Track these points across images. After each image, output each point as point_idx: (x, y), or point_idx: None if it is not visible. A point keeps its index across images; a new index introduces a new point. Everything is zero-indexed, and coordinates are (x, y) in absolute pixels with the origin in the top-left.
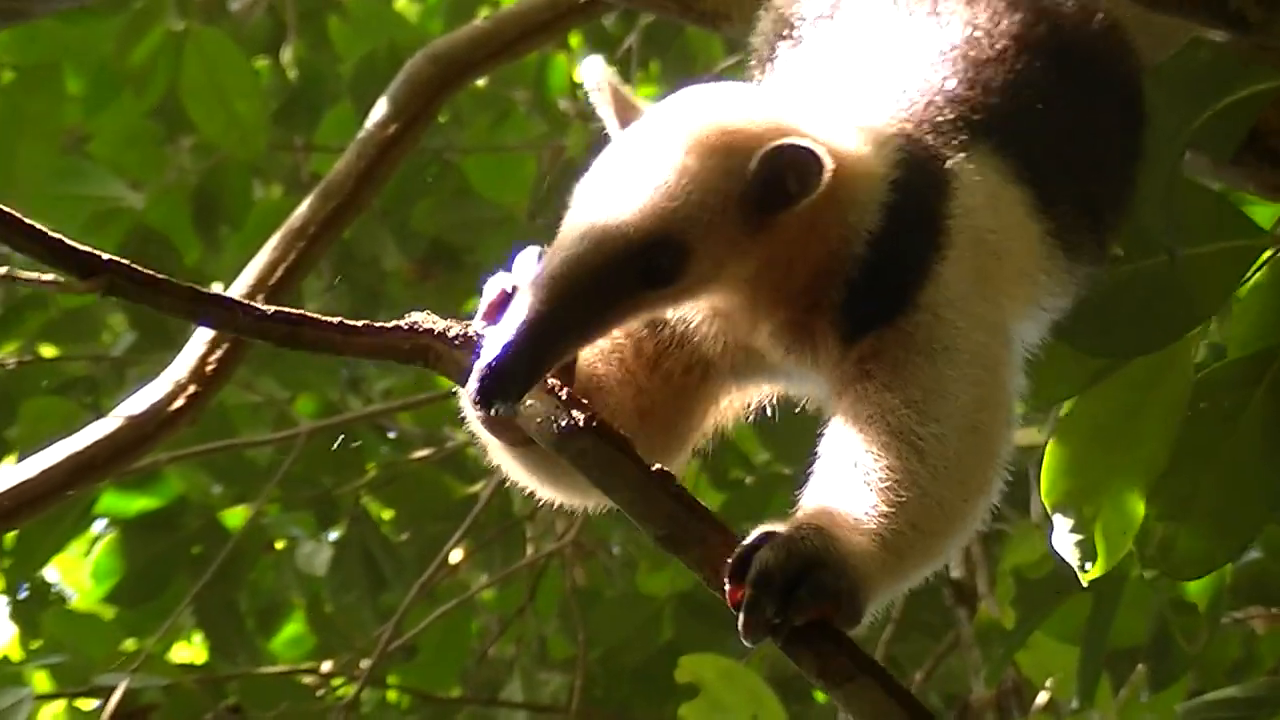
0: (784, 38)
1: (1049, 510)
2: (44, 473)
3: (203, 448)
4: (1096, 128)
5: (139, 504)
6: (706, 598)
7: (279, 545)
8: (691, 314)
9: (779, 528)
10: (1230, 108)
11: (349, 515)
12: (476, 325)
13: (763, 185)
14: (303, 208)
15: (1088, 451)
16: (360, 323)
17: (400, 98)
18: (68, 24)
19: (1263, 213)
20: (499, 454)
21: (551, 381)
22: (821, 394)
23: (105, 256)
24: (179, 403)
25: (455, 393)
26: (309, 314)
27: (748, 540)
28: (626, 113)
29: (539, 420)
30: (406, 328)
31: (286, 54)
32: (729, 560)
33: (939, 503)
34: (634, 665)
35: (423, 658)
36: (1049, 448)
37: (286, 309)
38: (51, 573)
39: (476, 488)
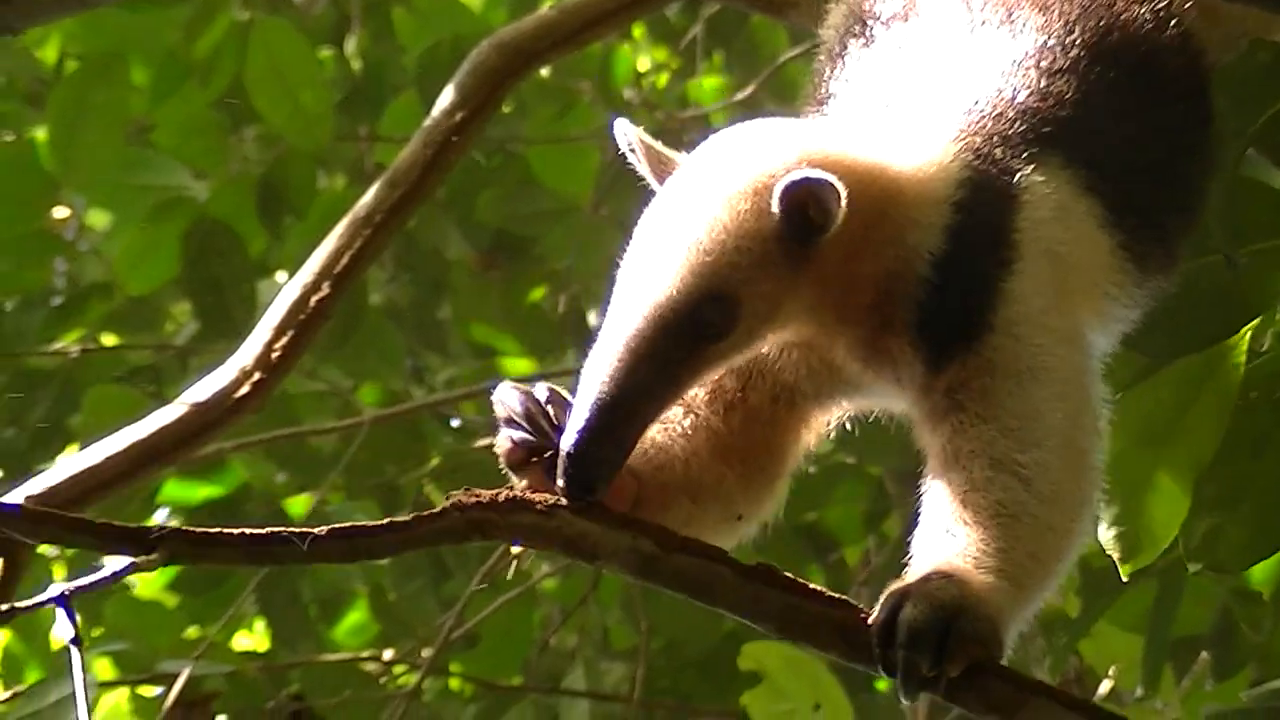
0: (855, 35)
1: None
2: (109, 459)
3: (266, 436)
4: (1167, 138)
5: (203, 492)
6: None
7: None
8: (766, 346)
9: (909, 585)
10: None
11: (412, 504)
12: (501, 440)
13: (789, 221)
14: (368, 196)
15: (1136, 445)
16: (409, 516)
17: (466, 86)
18: (133, 13)
19: None
20: None
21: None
22: (907, 412)
23: (155, 528)
24: (244, 390)
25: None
26: (360, 524)
27: (883, 604)
28: (661, 167)
29: (621, 553)
30: (455, 507)
31: (350, 45)
32: (872, 629)
33: (1050, 528)
34: (696, 654)
35: (485, 647)
36: None
37: (339, 525)
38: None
39: None
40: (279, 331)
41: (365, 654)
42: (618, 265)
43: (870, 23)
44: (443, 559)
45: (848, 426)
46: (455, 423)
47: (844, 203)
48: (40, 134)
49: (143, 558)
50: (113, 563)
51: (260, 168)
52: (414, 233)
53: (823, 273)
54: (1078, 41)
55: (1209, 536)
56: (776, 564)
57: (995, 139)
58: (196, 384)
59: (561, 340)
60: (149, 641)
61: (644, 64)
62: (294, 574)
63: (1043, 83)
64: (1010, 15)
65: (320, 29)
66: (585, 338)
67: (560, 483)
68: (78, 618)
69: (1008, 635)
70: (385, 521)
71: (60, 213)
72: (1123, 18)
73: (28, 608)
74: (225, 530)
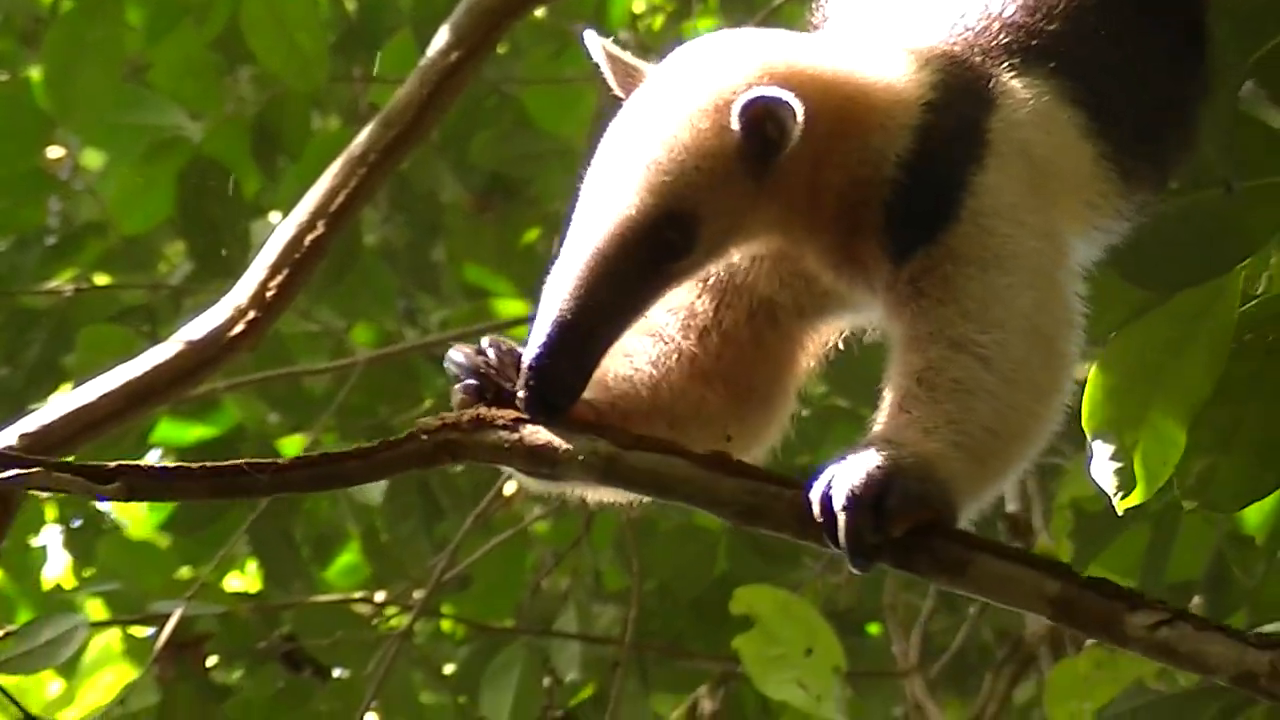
0: None
1: (1089, 437)
2: (103, 398)
3: (259, 376)
4: (1159, 57)
5: (195, 433)
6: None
7: None
8: (735, 260)
9: (850, 452)
10: None
11: None
12: (454, 396)
13: (749, 138)
14: (363, 135)
15: (1131, 381)
16: (376, 442)
17: (462, 26)
18: None
19: None
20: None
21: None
22: (877, 315)
23: (114, 464)
24: (239, 328)
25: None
26: (326, 452)
27: (825, 474)
28: (629, 79)
29: (581, 458)
30: (421, 430)
31: None
32: (815, 498)
33: (1010, 406)
34: (689, 597)
35: (477, 588)
36: (1091, 375)
37: (305, 455)
38: (104, 505)
39: None
40: (274, 270)
41: (357, 595)
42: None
43: None
44: (436, 500)
45: (840, 365)
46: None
47: (800, 120)
48: (35, 73)
49: (108, 488)
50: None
51: (255, 108)
52: (408, 175)
53: (787, 186)
54: None
55: (1203, 476)
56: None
57: (976, 49)
58: (191, 322)
59: None
60: (141, 582)
61: (639, 6)
62: (286, 515)
63: None
64: None
65: None
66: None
67: (521, 396)
68: None
69: (960, 499)
70: (351, 449)
71: (55, 152)
72: None
73: None
74: (185, 465)
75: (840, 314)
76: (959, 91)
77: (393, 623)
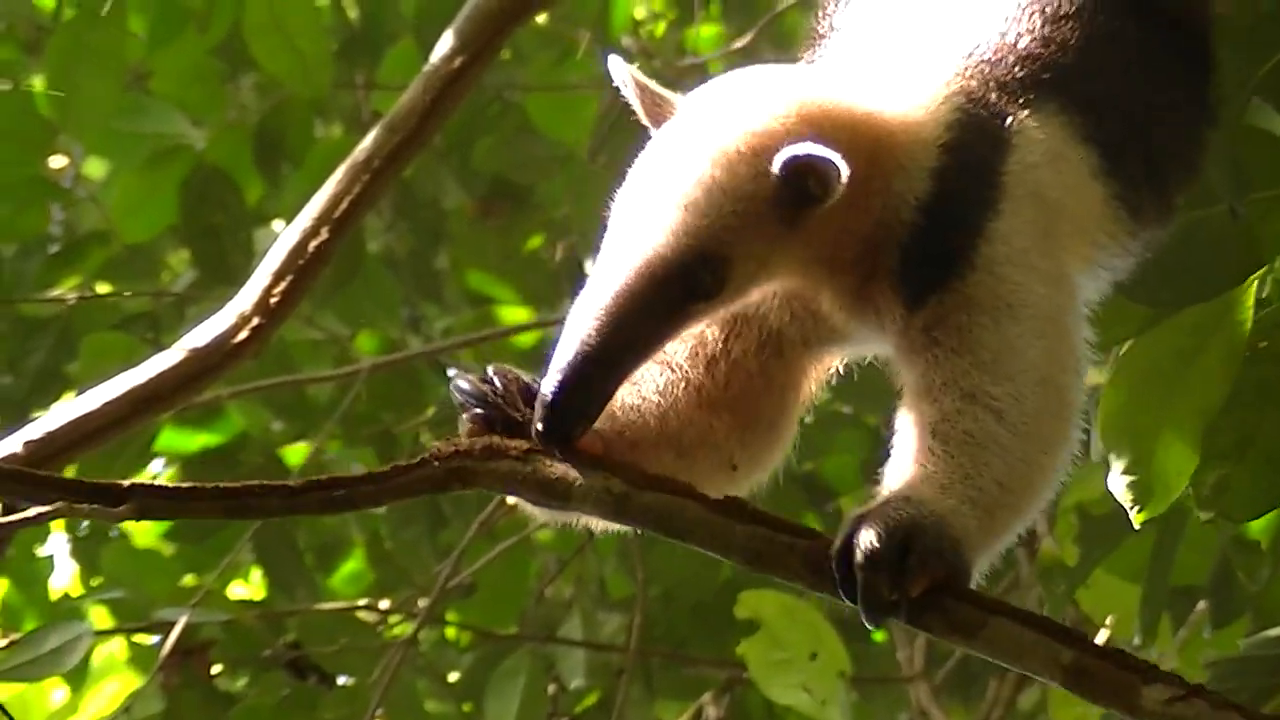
0: None
1: (1104, 450)
2: (107, 405)
3: (263, 383)
4: (1169, 89)
5: (199, 440)
6: None
7: None
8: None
9: (869, 508)
10: None
11: (409, 452)
12: (462, 425)
13: (787, 188)
14: (367, 141)
15: (1144, 393)
16: (388, 467)
17: (466, 31)
18: None
19: None
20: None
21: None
22: (890, 356)
23: (126, 483)
24: (243, 335)
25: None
26: (339, 476)
27: (843, 529)
28: (656, 108)
29: (594, 495)
30: (433, 457)
31: None
32: (830, 554)
33: (1022, 459)
34: (693, 603)
35: (481, 596)
36: (1106, 388)
37: (317, 478)
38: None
39: None
40: (278, 277)
41: (362, 603)
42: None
43: None
44: (440, 508)
45: (844, 373)
46: (452, 373)
47: (845, 179)
48: (38, 82)
49: (118, 509)
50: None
51: (258, 116)
52: (411, 182)
53: (817, 232)
54: None
55: (1218, 486)
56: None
57: (992, 83)
58: (195, 329)
59: (558, 288)
60: (146, 590)
61: (641, 12)
62: (290, 523)
63: (1045, 29)
64: None
65: None
66: (582, 286)
67: (538, 428)
68: None
69: (973, 560)
70: (363, 473)
71: (58, 161)
72: None
73: None
74: (197, 485)
75: (844, 346)
76: (975, 131)
77: (397, 630)
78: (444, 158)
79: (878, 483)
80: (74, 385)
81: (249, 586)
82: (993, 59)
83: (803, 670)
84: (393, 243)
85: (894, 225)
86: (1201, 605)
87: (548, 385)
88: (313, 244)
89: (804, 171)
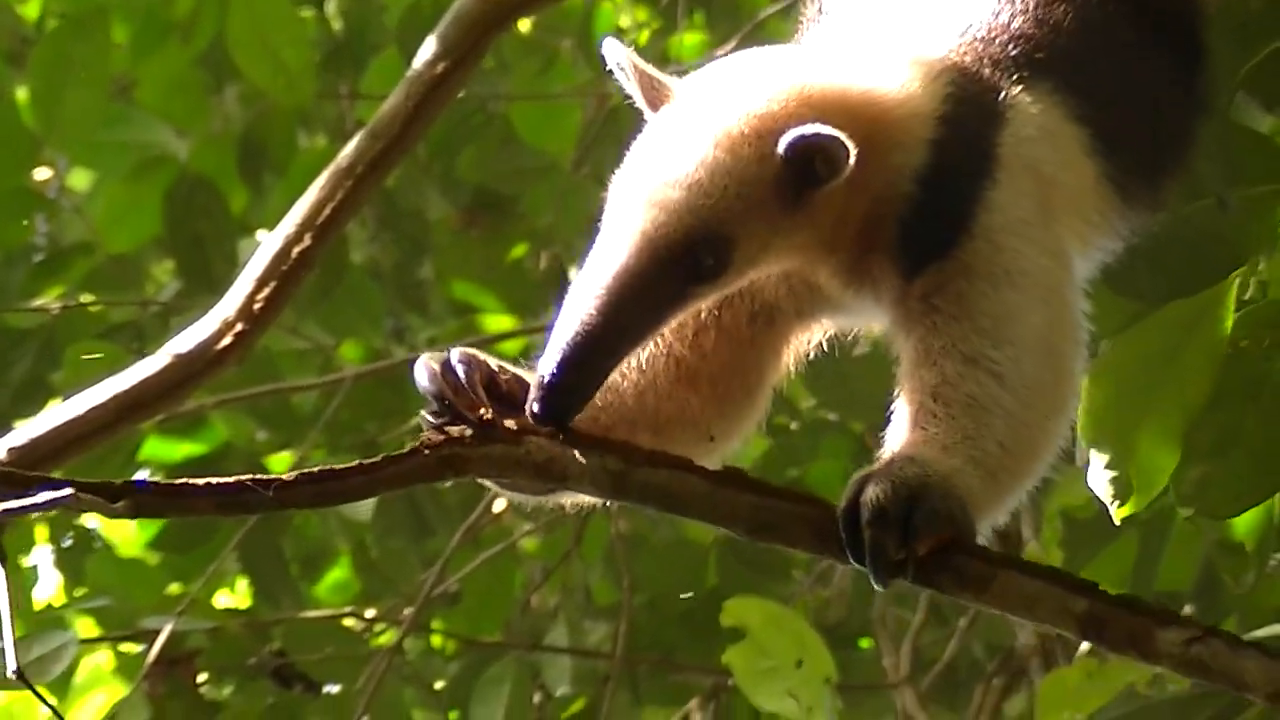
0: None
1: (1085, 446)
2: (91, 411)
3: (247, 392)
4: (1161, 76)
5: (184, 450)
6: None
7: None
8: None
9: (873, 469)
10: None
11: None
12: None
13: (793, 169)
14: (350, 148)
15: (1126, 389)
16: (379, 457)
17: (449, 37)
18: None
19: None
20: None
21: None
22: (887, 329)
23: (120, 482)
24: (227, 341)
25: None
26: (329, 468)
27: (848, 490)
28: (654, 92)
29: (590, 473)
30: (425, 445)
31: (331, 4)
32: (838, 516)
33: (1023, 423)
34: (679, 611)
35: (467, 604)
36: (1087, 385)
37: (308, 470)
38: (93, 523)
39: None
40: (261, 283)
41: (347, 611)
42: (599, 223)
43: None
44: (425, 515)
45: (831, 380)
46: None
47: (853, 158)
48: (22, 93)
49: (115, 505)
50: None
51: (242, 126)
52: (395, 192)
53: (820, 212)
54: None
55: (1199, 483)
56: None
57: (985, 60)
58: (178, 335)
59: (542, 298)
60: (131, 599)
61: (626, 20)
62: (276, 531)
63: (1039, 10)
64: None
65: None
66: (566, 295)
67: (534, 409)
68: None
69: (979, 519)
70: (354, 464)
71: (42, 174)
72: None
73: None
74: (191, 481)
75: (835, 316)
76: (970, 105)
77: (383, 638)
78: (428, 168)
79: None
80: (58, 395)
81: (234, 595)
82: (986, 37)
83: (788, 677)
84: (377, 253)
85: (892, 199)
86: (1188, 609)
87: (545, 366)
88: (296, 250)
89: (810, 152)
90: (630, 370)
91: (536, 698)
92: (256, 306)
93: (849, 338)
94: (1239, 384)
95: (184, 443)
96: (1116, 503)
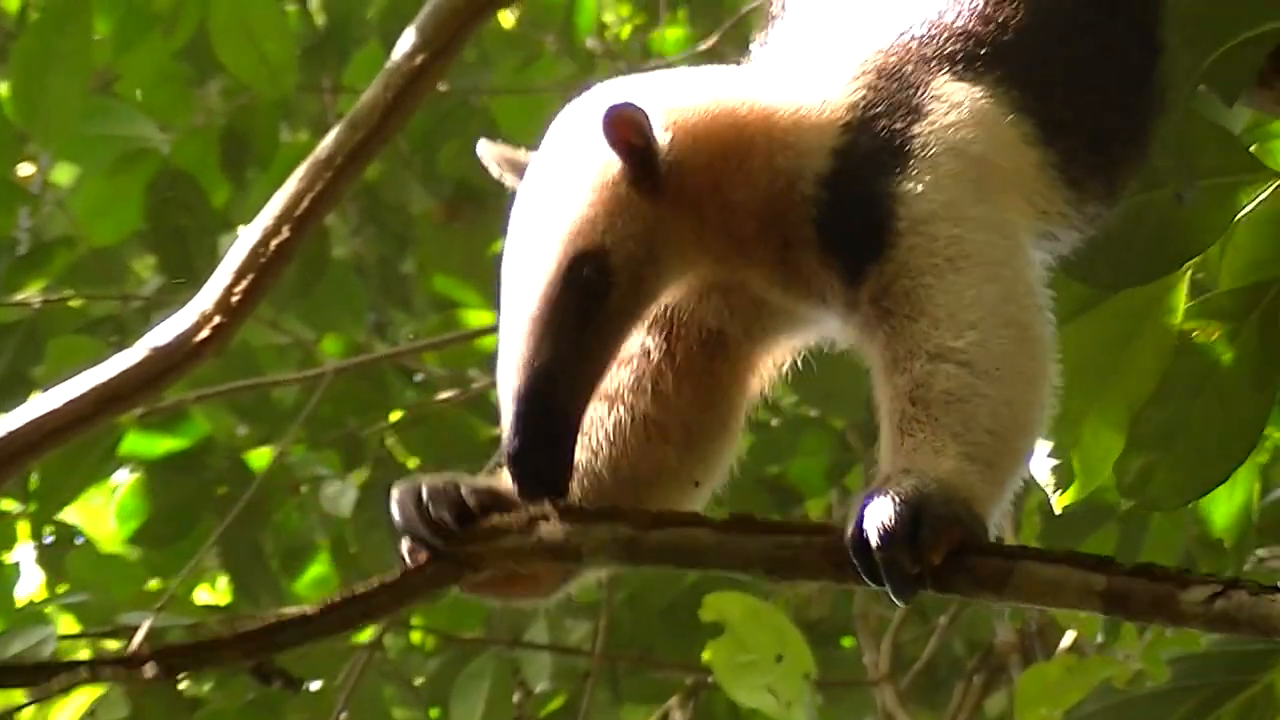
0: None
1: None
2: (69, 403)
3: (228, 387)
4: (1116, 70)
5: (164, 445)
6: None
7: (304, 486)
8: (676, 296)
9: (871, 489)
10: (1240, 47)
11: (374, 456)
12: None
13: (623, 154)
14: (329, 139)
15: (1072, 379)
16: (399, 572)
17: (428, 28)
18: None
19: None
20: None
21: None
22: (844, 335)
23: (147, 651)
24: (205, 333)
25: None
26: (353, 592)
27: (851, 515)
28: (521, 168)
29: (603, 546)
30: (438, 554)
31: None
32: (847, 543)
33: (1005, 403)
34: (659, 607)
35: (447, 600)
36: None
37: (333, 600)
38: (74, 520)
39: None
40: (239, 275)
41: None
42: None
43: None
44: None
45: (809, 376)
46: (418, 377)
47: (654, 119)
48: (3, 87)
49: (139, 669)
50: None
51: (224, 119)
52: (377, 187)
53: (690, 204)
54: None
55: (1142, 474)
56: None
57: (915, 59)
58: (156, 328)
59: None
60: (111, 595)
61: (610, 17)
62: (255, 527)
63: (987, 8)
64: None
65: None
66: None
67: (519, 490)
68: None
69: (985, 511)
70: (378, 584)
71: (25, 170)
72: None
73: None
74: (218, 636)
75: (793, 333)
76: (884, 105)
77: (363, 635)
78: (410, 162)
79: (843, 487)
80: (39, 388)
81: (214, 591)
82: (924, 36)
83: (768, 673)
84: (359, 247)
85: (795, 200)
86: None
87: (508, 444)
88: (274, 242)
89: (622, 129)
90: (600, 447)
91: (516, 694)
92: (234, 299)
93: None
94: (1186, 376)
95: (164, 437)
96: (1057, 490)
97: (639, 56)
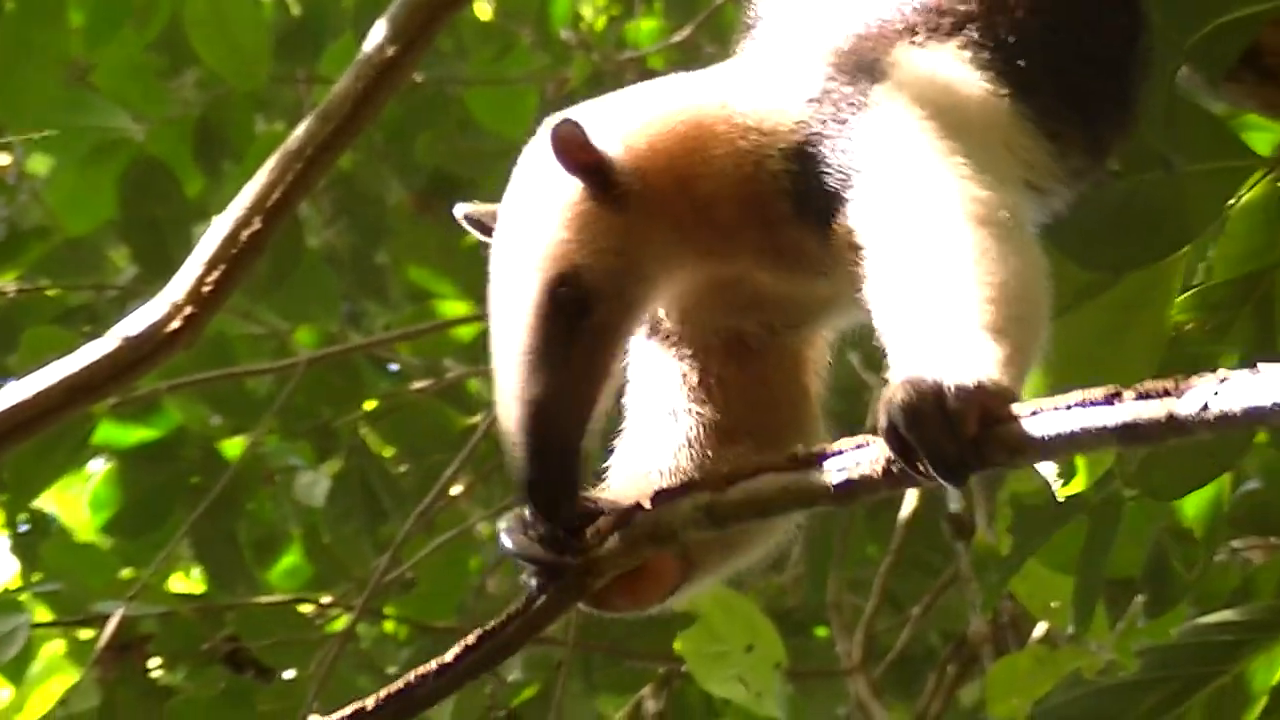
0: None
1: None
2: (40, 393)
3: (201, 376)
4: (1089, 25)
5: (137, 434)
6: None
7: (277, 476)
8: (673, 311)
9: (888, 390)
10: (1225, 27)
11: (348, 446)
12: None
13: (576, 169)
14: (300, 130)
15: (1070, 369)
16: (524, 602)
17: (399, 19)
18: None
19: (1261, 138)
20: None
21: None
22: (847, 299)
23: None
24: (176, 324)
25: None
26: (488, 630)
27: (878, 416)
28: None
29: (693, 517)
30: (532, 597)
31: None
32: (884, 439)
33: (990, 274)
34: None
35: (421, 589)
36: None
37: (467, 644)
38: (50, 508)
39: (476, 419)
40: (210, 265)
41: (300, 596)
42: None
43: None
44: (379, 500)
45: None
46: (392, 367)
47: (601, 133)
48: None
49: None
50: None
51: (199, 111)
52: (352, 177)
53: (658, 206)
54: None
55: (1145, 464)
56: None
57: (876, 37)
58: (128, 318)
59: None
60: (84, 584)
61: (588, 11)
62: (228, 516)
63: None
64: None
65: None
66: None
67: (531, 513)
68: None
69: (1009, 378)
70: (512, 612)
71: (1, 160)
72: None
73: None
74: (362, 706)
75: (817, 316)
76: (847, 76)
77: (336, 624)
78: (385, 153)
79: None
80: (14, 377)
81: (187, 580)
82: (887, 15)
83: (739, 662)
84: (333, 238)
85: (764, 179)
86: (1139, 599)
87: (519, 474)
88: (246, 233)
89: (568, 144)
90: (680, 453)
91: (489, 684)
92: (206, 289)
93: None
94: (1181, 366)
95: (137, 427)
96: (1060, 481)
97: (614, 48)
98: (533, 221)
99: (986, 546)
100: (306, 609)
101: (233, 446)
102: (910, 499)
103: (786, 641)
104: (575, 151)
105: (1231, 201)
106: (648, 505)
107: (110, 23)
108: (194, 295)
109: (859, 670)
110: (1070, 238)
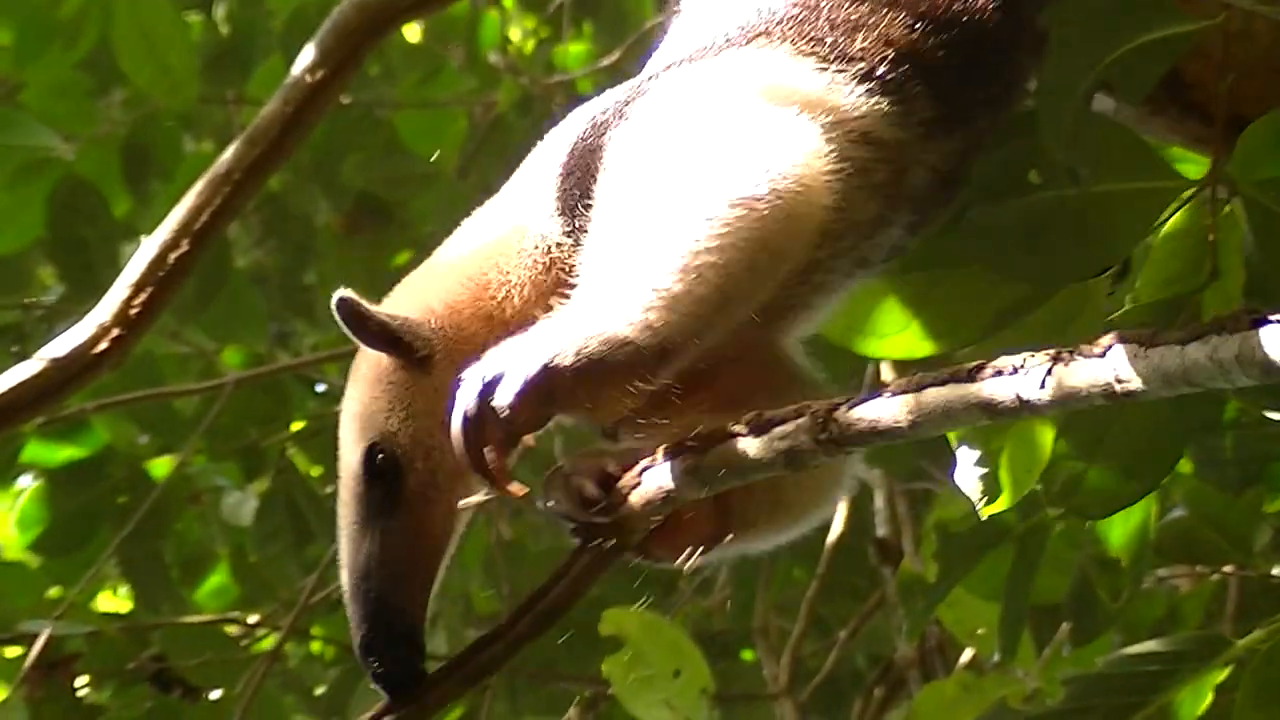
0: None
1: (953, 445)
2: None
3: (129, 396)
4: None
5: (64, 453)
6: None
7: (205, 496)
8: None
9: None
10: (1145, 47)
11: (275, 466)
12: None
13: (380, 345)
14: (228, 153)
15: None
16: (570, 555)
17: (327, 44)
18: None
19: (1190, 169)
20: None
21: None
22: None
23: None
24: (103, 345)
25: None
26: (539, 590)
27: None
28: None
29: (687, 478)
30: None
31: (219, 10)
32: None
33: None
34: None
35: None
36: None
37: (522, 603)
38: None
39: None
40: (137, 288)
41: (227, 616)
42: None
43: None
44: (306, 521)
45: None
46: (320, 387)
47: (350, 295)
48: None
49: None
50: None
51: (127, 130)
52: (282, 198)
53: (472, 349)
54: None
55: (1070, 483)
56: None
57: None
58: (55, 340)
59: None
60: (10, 602)
61: (516, 34)
62: (156, 536)
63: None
64: None
65: None
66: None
67: (375, 684)
68: None
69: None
70: (560, 569)
71: None
72: None
73: None
74: (434, 672)
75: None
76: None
77: (263, 644)
78: (313, 174)
79: None
80: None
81: (115, 599)
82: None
83: (666, 687)
84: (262, 258)
85: (556, 262)
86: (1065, 627)
87: (357, 638)
88: (173, 256)
89: (358, 320)
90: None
91: None
92: (133, 311)
93: None
94: None
95: (65, 446)
96: (984, 500)
97: (543, 71)
98: (356, 391)
99: (912, 573)
100: (233, 629)
101: (160, 466)
102: (838, 523)
103: (713, 665)
104: (361, 325)
105: (1159, 222)
106: (661, 459)
107: (39, 41)
108: (121, 317)
109: (786, 694)
110: (984, 243)
